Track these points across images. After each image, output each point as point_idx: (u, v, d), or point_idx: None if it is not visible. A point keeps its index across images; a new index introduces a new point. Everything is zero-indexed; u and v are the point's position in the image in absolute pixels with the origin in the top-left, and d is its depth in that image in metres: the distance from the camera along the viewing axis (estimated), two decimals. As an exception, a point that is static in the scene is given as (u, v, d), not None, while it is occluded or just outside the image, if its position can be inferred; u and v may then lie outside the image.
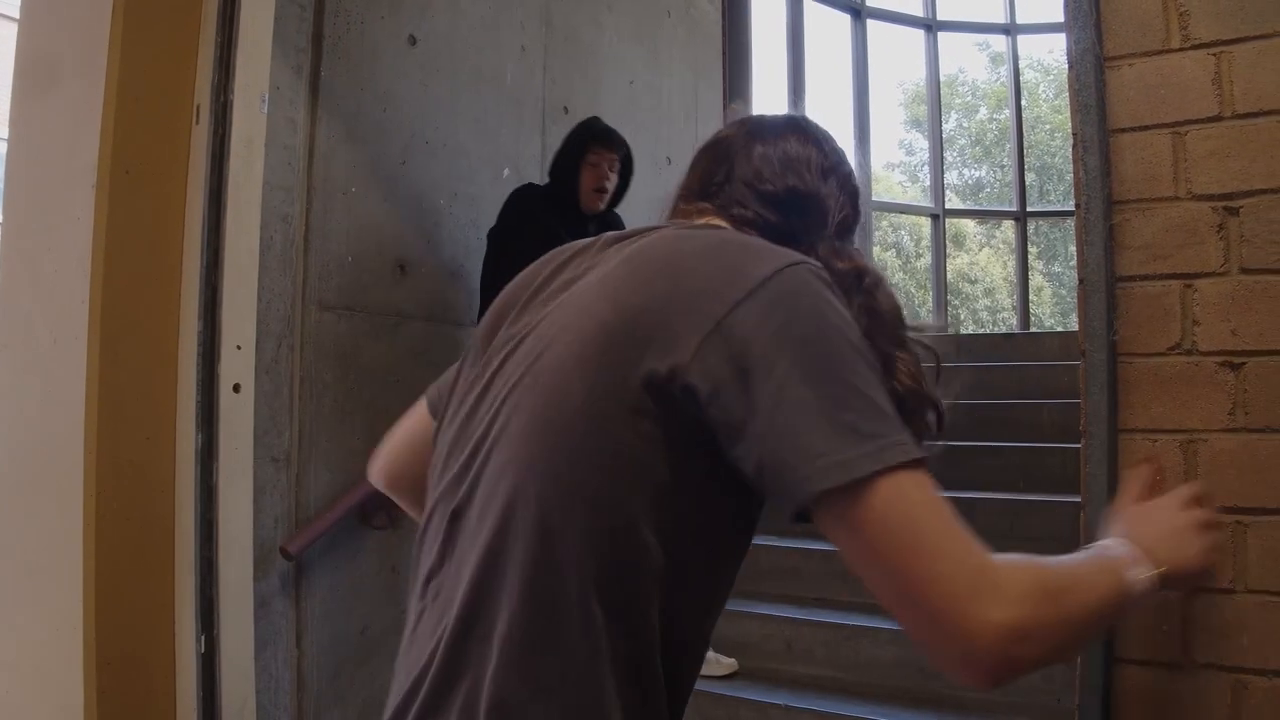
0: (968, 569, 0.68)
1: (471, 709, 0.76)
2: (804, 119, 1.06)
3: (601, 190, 2.95)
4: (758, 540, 3.03)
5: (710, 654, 2.73)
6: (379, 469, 1.14)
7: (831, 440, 0.70)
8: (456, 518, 0.84)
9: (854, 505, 0.70)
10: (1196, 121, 1.18)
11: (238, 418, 2.14)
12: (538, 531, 0.76)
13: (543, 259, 0.97)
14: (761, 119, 1.06)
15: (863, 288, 0.90)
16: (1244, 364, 1.13)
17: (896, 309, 0.91)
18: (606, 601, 0.75)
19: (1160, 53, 1.20)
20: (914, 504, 0.70)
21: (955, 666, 0.69)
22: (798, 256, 0.80)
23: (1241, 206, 1.14)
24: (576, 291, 0.85)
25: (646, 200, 4.33)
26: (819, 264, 0.83)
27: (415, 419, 1.10)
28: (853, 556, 0.72)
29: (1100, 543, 0.87)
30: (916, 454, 0.72)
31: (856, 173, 1.04)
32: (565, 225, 2.87)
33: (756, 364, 0.73)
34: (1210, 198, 1.16)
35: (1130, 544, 0.84)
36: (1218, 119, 1.17)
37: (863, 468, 0.69)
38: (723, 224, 0.96)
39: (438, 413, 1.01)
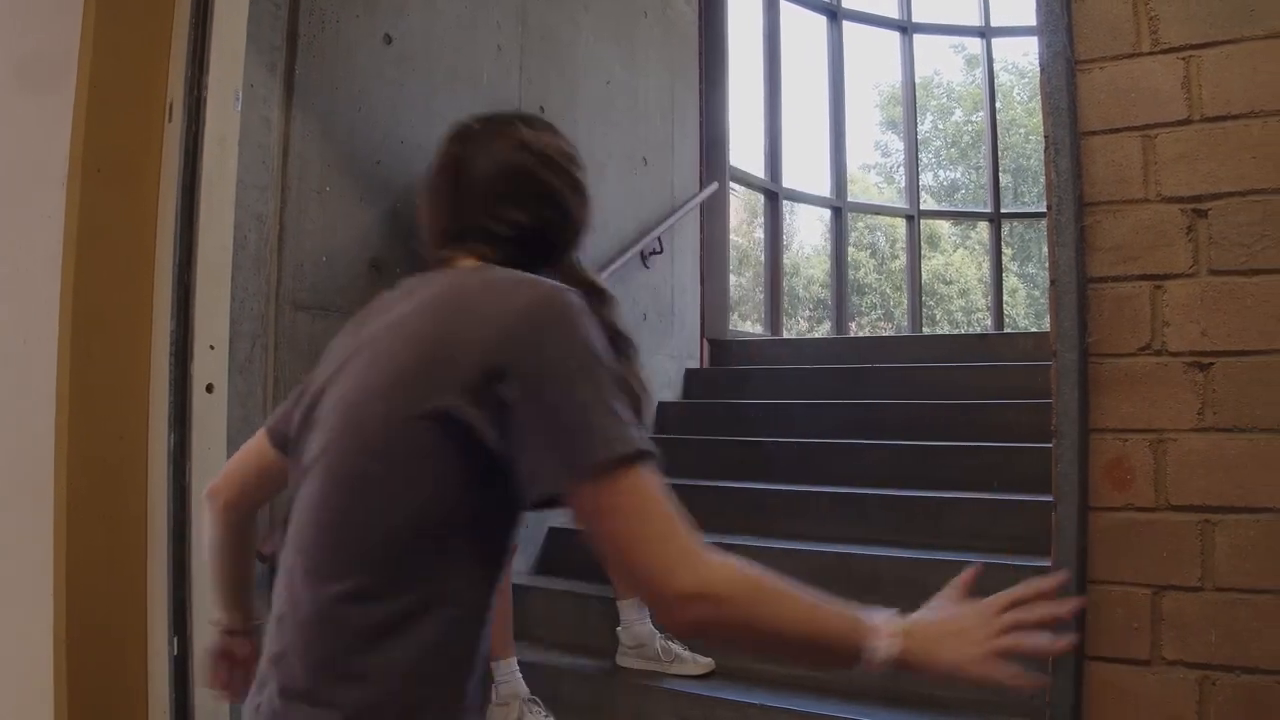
0: (676, 548, 0.87)
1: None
2: (523, 128, 1.13)
3: None
4: (737, 540, 3.00)
5: (687, 653, 2.74)
6: (223, 490, 1.28)
7: (605, 426, 0.88)
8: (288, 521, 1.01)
9: (617, 479, 0.87)
10: (1166, 125, 1.19)
11: (211, 418, 2.12)
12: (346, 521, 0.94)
13: (366, 308, 1.12)
14: (480, 137, 1.12)
15: (604, 302, 1.09)
16: (1212, 364, 1.14)
17: (621, 324, 1.09)
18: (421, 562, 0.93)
19: (1131, 56, 1.21)
20: (654, 488, 0.88)
21: (658, 614, 0.88)
22: (553, 285, 0.96)
23: (1210, 209, 1.16)
24: (375, 333, 1.01)
25: (624, 195, 4.34)
26: (571, 288, 0.97)
27: (258, 445, 1.26)
28: (601, 522, 0.88)
29: (877, 610, 0.93)
30: (652, 448, 0.90)
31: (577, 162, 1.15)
32: None
33: (530, 375, 0.89)
34: (1179, 200, 1.17)
35: (900, 621, 0.93)
36: (1187, 122, 1.18)
37: (627, 449, 0.87)
38: (479, 263, 1.07)
39: (281, 443, 1.18)
